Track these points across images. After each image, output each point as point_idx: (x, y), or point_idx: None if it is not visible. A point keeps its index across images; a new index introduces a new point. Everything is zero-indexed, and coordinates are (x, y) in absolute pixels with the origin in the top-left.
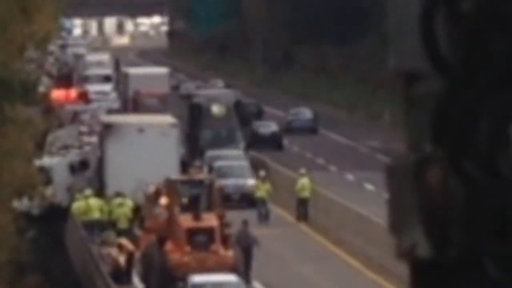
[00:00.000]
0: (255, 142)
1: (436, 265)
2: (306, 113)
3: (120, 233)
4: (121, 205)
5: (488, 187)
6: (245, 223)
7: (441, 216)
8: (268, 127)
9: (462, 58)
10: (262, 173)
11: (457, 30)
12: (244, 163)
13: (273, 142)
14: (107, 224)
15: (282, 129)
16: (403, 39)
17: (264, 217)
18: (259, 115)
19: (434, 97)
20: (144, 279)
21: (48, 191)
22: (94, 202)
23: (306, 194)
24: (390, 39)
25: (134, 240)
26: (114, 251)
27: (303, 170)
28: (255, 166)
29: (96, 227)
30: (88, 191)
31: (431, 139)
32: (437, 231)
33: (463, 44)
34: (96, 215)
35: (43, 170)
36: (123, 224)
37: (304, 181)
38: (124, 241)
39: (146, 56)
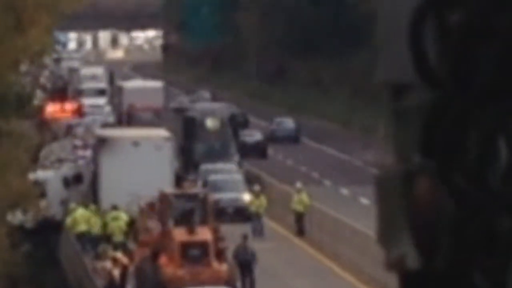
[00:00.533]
0: (240, 150)
1: (425, 277)
2: (288, 123)
3: (116, 246)
4: (115, 218)
5: (476, 199)
6: (244, 237)
7: (429, 228)
8: (253, 136)
9: (450, 70)
10: (256, 187)
11: (446, 42)
12: (239, 177)
13: (258, 151)
14: (102, 238)
15: (267, 138)
16: (391, 50)
17: (258, 232)
18: (245, 124)
19: (423, 108)
20: None
21: (42, 204)
22: (79, 214)
23: (302, 208)
24: (378, 50)
25: (128, 253)
26: (108, 265)
27: (299, 185)
28: (250, 180)
29: (87, 240)
30: (73, 205)
31: (419, 151)
32: (425, 242)
33: (451, 56)
34: (82, 227)
35: (37, 184)
36: (118, 238)
37: (302, 196)
38: (119, 254)
39: (141, 69)
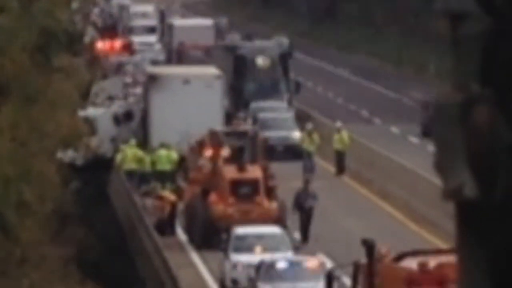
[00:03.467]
0: None
1: (483, 206)
2: (283, 41)
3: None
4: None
5: None
6: (306, 182)
7: (488, 157)
8: None
9: None
10: (309, 125)
11: None
12: (289, 115)
13: None
14: (151, 175)
15: None
16: None
17: (309, 170)
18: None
19: (482, 37)
20: (188, 230)
21: (93, 142)
22: (129, 152)
23: (342, 147)
24: None
25: (178, 191)
26: (157, 202)
27: (339, 124)
28: (300, 118)
29: (136, 177)
30: (132, 141)
31: (478, 79)
32: (484, 172)
33: None
34: (130, 165)
35: (88, 121)
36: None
37: (342, 135)
38: (165, 192)
39: (191, 7)
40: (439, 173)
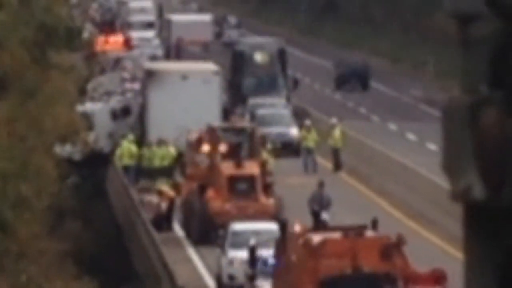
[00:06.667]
0: None
1: (491, 208)
2: (232, 19)
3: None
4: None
5: None
6: (320, 184)
7: (496, 159)
8: None
9: None
10: (308, 122)
11: None
12: (286, 112)
13: None
14: (149, 171)
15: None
16: None
17: (310, 167)
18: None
19: (491, 38)
20: (185, 226)
21: (90, 137)
22: (125, 147)
23: (338, 144)
24: None
25: (176, 186)
26: (155, 198)
27: (334, 120)
28: (298, 115)
29: (134, 173)
30: (130, 137)
31: (487, 82)
32: (492, 173)
33: None
34: (125, 161)
35: (85, 116)
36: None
37: (335, 132)
38: (165, 188)
39: (190, 3)
40: (447, 175)
